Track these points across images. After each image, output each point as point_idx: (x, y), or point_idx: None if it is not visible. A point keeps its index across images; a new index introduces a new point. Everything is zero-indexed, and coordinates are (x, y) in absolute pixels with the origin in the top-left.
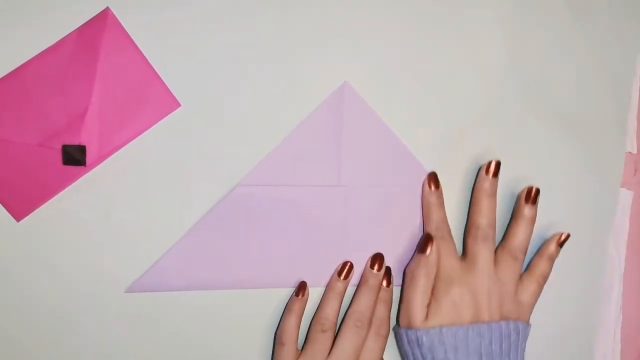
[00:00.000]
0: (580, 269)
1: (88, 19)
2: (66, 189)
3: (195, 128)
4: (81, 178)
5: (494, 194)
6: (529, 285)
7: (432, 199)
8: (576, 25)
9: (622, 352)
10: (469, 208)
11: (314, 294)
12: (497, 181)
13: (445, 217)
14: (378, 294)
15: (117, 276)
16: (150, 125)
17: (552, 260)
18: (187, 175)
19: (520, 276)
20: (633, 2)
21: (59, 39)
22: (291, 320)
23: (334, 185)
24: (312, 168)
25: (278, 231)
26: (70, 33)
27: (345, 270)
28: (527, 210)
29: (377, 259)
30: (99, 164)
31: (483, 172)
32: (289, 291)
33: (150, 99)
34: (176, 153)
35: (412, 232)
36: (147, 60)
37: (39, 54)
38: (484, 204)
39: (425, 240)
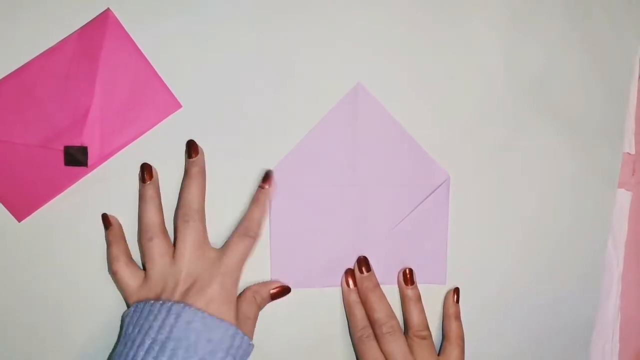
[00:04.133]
0: (578, 269)
1: (89, 20)
2: (67, 190)
3: (196, 129)
4: (82, 179)
5: (377, 286)
6: (452, 351)
7: (353, 297)
8: (575, 25)
9: (620, 352)
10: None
11: (328, 294)
12: (373, 274)
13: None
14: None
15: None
16: (152, 126)
17: (458, 318)
18: None
19: (442, 346)
20: (632, 2)
21: (60, 40)
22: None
23: (349, 185)
24: (328, 168)
25: (293, 230)
26: (71, 34)
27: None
28: (409, 292)
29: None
30: (100, 164)
31: (357, 272)
32: (301, 290)
33: (152, 100)
34: (177, 154)
35: (426, 230)
36: (148, 61)
37: (40, 55)
38: (372, 299)
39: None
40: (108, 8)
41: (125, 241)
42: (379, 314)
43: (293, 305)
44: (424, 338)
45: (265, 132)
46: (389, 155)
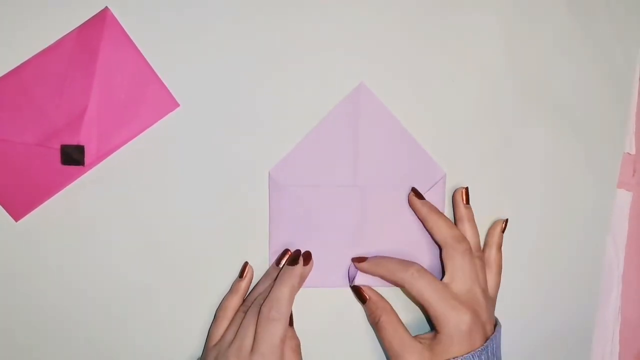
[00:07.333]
0: (579, 270)
1: (87, 19)
2: (65, 189)
3: (194, 128)
4: (80, 178)
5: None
6: (493, 280)
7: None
8: (576, 24)
9: (620, 354)
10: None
11: (330, 294)
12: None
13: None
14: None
15: (116, 275)
16: (149, 125)
17: (500, 248)
18: (185, 175)
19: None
20: (633, 1)
21: (58, 38)
22: (231, 299)
23: (350, 185)
24: (329, 168)
25: (293, 230)
26: (69, 33)
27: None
28: (465, 211)
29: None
30: (97, 164)
31: (412, 198)
32: (301, 290)
33: (149, 99)
34: (175, 153)
35: (422, 228)
36: (145, 60)
37: (38, 53)
38: (436, 218)
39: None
40: (106, 7)
41: (244, 297)
42: (454, 231)
43: (292, 305)
44: (480, 258)
45: (265, 132)
46: (390, 156)
